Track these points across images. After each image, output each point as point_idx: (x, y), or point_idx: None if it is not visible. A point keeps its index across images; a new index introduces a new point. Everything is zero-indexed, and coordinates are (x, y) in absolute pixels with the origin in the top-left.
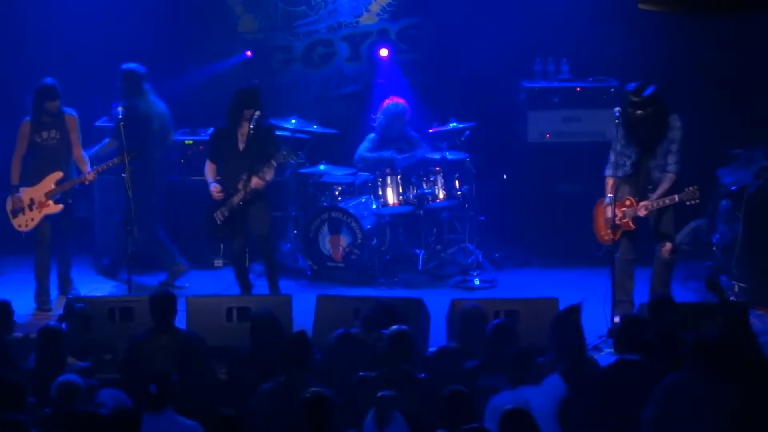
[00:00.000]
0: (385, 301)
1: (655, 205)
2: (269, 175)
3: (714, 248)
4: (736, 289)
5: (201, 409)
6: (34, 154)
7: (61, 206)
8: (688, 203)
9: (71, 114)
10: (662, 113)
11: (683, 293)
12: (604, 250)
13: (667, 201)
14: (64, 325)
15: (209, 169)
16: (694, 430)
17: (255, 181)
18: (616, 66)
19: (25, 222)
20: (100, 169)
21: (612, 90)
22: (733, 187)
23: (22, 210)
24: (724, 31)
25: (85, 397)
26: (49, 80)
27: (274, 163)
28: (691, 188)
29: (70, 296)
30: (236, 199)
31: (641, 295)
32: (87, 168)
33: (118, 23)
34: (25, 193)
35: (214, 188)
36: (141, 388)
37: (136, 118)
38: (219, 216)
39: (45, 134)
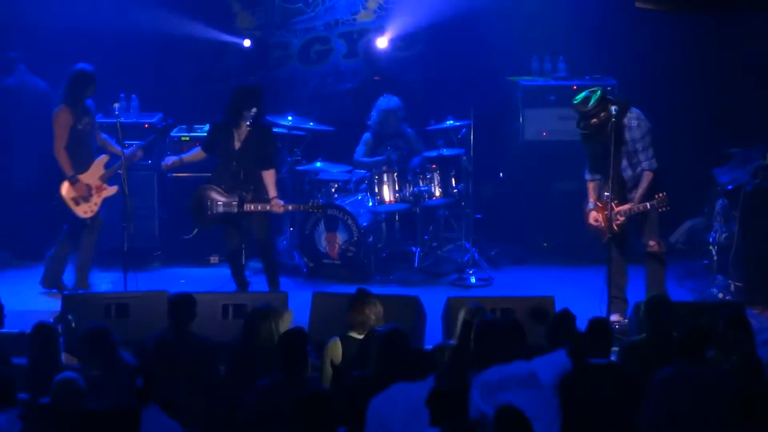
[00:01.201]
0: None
1: (630, 212)
2: (286, 208)
3: (710, 247)
4: (733, 288)
5: (203, 408)
6: (76, 141)
7: (117, 188)
8: (660, 210)
9: (91, 102)
10: (616, 115)
11: (679, 292)
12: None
13: (640, 208)
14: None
15: (197, 153)
16: (692, 423)
17: (277, 207)
18: (612, 64)
19: (90, 209)
20: (142, 148)
21: (609, 88)
22: (730, 186)
23: (85, 197)
24: (720, 29)
25: (84, 394)
26: (88, 66)
27: (301, 207)
28: (660, 195)
29: (65, 293)
30: (236, 208)
31: (639, 293)
32: (116, 148)
33: (115, 19)
34: (83, 181)
35: (171, 161)
36: (128, 381)
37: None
38: (212, 207)
39: (84, 120)
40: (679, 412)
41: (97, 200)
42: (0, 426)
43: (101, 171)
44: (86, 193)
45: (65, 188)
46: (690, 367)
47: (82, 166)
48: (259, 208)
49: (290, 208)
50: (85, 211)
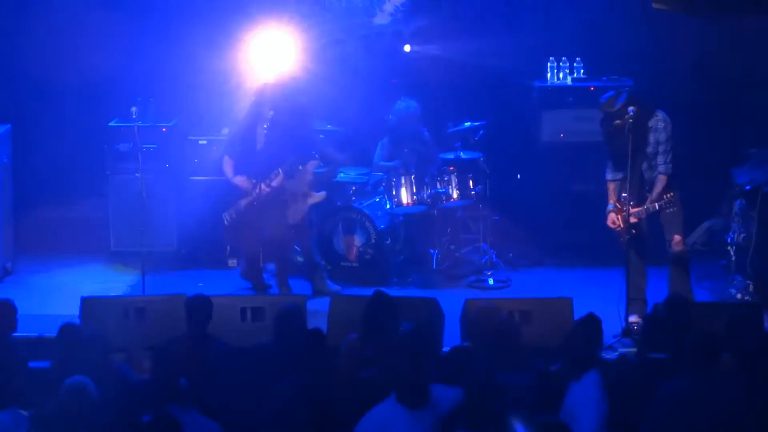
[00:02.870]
0: (383, 294)
1: (643, 213)
2: (276, 181)
3: (728, 248)
4: (751, 288)
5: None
6: None
7: (324, 194)
8: (668, 210)
9: (306, 102)
10: (641, 117)
11: (698, 293)
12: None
13: (650, 209)
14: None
15: (227, 165)
16: None
17: (261, 188)
18: (630, 65)
19: (293, 216)
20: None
21: (626, 89)
22: (748, 187)
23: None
24: (737, 29)
25: (95, 400)
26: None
27: (280, 172)
28: (668, 195)
29: (83, 297)
30: (244, 202)
31: (659, 294)
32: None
33: (132, 22)
34: (288, 187)
35: (240, 179)
36: (169, 383)
37: None
38: (226, 217)
39: None
40: (685, 428)
41: (302, 207)
42: (5, 424)
43: (309, 177)
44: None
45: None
46: (699, 381)
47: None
48: (268, 184)
49: (275, 178)
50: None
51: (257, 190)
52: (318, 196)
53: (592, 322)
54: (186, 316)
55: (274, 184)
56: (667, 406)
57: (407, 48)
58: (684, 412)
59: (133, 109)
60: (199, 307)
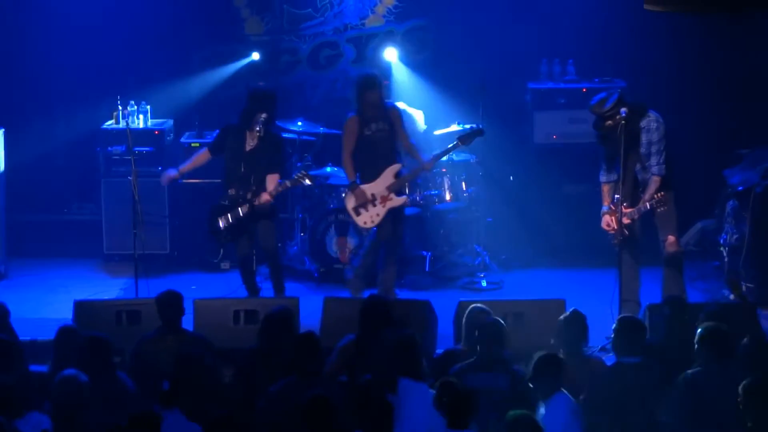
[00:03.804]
0: (378, 298)
1: (635, 213)
2: (276, 190)
3: (721, 249)
4: (744, 289)
5: (202, 411)
6: (364, 148)
7: (405, 198)
8: (659, 210)
9: (393, 106)
10: (632, 118)
11: (691, 294)
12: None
13: (642, 208)
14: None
15: (200, 156)
16: (718, 422)
17: (264, 198)
18: (622, 67)
19: (371, 218)
20: (438, 157)
21: (618, 91)
22: (740, 188)
23: (365, 206)
24: (730, 30)
25: (87, 390)
26: (367, 70)
27: (288, 183)
28: (658, 194)
29: (76, 300)
30: (243, 209)
31: (652, 295)
32: (419, 155)
33: (125, 25)
34: (366, 189)
35: (167, 175)
36: (154, 385)
37: None
38: (223, 221)
39: (373, 126)
40: (705, 412)
41: (380, 210)
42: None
43: (390, 180)
44: (365, 202)
45: (346, 196)
46: (717, 368)
47: (371, 174)
48: (264, 198)
49: (280, 188)
50: (365, 221)
51: (258, 200)
52: (398, 200)
53: (576, 317)
54: (157, 311)
55: (274, 193)
56: (689, 391)
57: (393, 54)
58: (706, 396)
59: (125, 111)
60: (168, 303)
